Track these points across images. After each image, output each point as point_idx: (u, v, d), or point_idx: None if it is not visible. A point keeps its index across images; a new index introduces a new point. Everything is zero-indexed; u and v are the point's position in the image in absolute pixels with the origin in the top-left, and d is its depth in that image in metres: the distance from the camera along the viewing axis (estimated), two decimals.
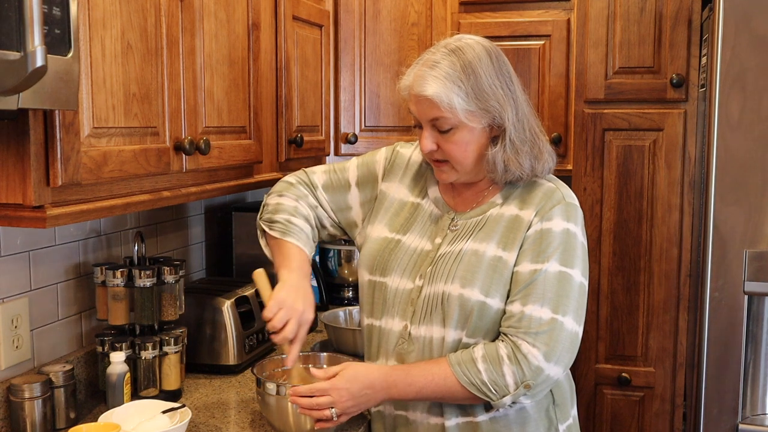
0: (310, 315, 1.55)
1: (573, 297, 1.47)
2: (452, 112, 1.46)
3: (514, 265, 1.50)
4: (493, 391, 1.44)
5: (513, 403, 1.47)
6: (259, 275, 1.61)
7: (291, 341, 1.53)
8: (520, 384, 1.43)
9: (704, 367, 2.02)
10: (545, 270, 1.47)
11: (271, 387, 1.60)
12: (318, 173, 1.77)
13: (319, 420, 1.50)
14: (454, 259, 1.53)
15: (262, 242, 1.72)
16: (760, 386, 2.06)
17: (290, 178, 1.77)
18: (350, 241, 2.71)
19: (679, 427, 2.46)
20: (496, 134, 1.52)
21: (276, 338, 1.53)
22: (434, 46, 1.54)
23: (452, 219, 1.60)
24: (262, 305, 1.57)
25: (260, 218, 1.72)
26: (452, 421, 1.53)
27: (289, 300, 1.53)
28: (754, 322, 2.04)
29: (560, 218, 1.51)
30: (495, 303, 1.48)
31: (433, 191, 1.65)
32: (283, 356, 1.62)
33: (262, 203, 1.75)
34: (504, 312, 1.49)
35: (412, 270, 1.57)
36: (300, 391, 1.49)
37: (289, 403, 1.54)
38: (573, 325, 1.46)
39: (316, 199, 1.74)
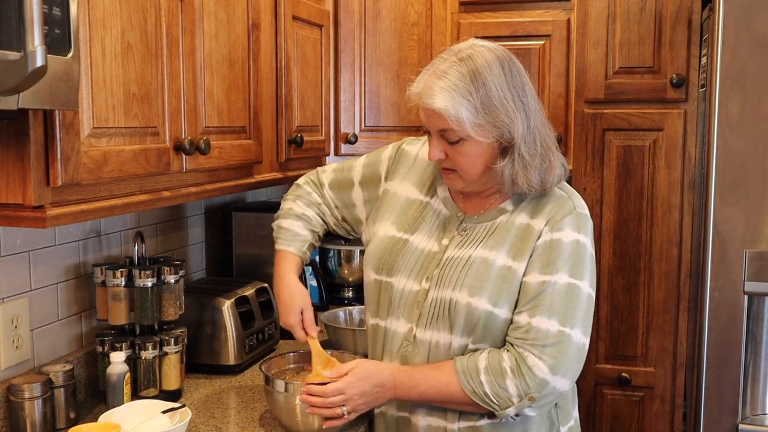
0: (288, 321, 1.70)
1: (581, 309, 1.46)
2: (460, 125, 1.44)
3: (523, 275, 1.48)
4: (496, 402, 1.43)
5: (517, 415, 1.46)
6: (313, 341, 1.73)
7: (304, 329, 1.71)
8: (524, 396, 1.42)
9: (704, 367, 2.03)
10: (554, 282, 1.45)
11: (279, 384, 1.60)
12: (327, 171, 1.85)
13: (328, 419, 1.51)
14: (463, 265, 1.51)
15: None
16: (760, 386, 2.06)
17: (301, 179, 1.88)
18: (350, 241, 2.72)
19: (679, 427, 2.46)
20: (505, 147, 1.49)
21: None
22: (446, 52, 1.50)
23: (461, 221, 1.59)
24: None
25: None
26: (454, 425, 1.53)
27: (281, 321, 1.73)
28: (754, 322, 2.04)
29: (571, 229, 1.50)
30: (503, 313, 1.47)
31: (443, 190, 1.64)
32: (290, 353, 1.83)
33: None
34: (511, 321, 1.48)
35: (419, 271, 1.57)
36: (313, 390, 1.50)
37: (298, 400, 1.55)
38: (580, 338, 1.45)
39: (322, 196, 1.82)
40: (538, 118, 1.51)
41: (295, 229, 1.78)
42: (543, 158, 1.50)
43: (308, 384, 1.53)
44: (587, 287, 1.48)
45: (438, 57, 1.51)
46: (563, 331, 1.43)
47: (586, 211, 1.55)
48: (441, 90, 1.43)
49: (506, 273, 1.48)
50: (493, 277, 1.48)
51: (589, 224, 1.54)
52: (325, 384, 1.51)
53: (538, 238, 1.50)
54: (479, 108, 1.43)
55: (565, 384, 1.44)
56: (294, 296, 1.70)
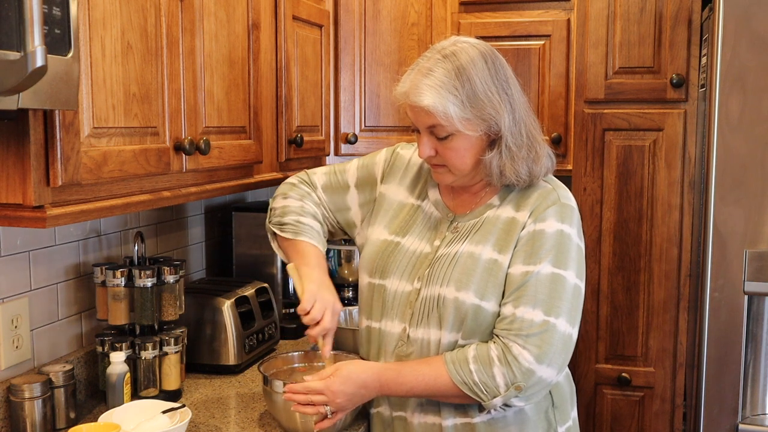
0: (339, 306, 1.60)
1: (566, 299, 1.46)
2: (448, 120, 1.46)
3: (508, 267, 1.49)
4: (484, 392, 1.44)
5: (506, 405, 1.47)
6: (293, 270, 1.64)
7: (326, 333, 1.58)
8: (510, 385, 1.43)
9: (704, 367, 2.03)
10: (537, 272, 1.46)
11: (278, 385, 1.61)
12: (318, 174, 1.79)
13: (319, 420, 1.52)
14: (450, 261, 1.53)
15: (274, 245, 1.77)
16: (760, 386, 2.06)
17: (292, 179, 1.80)
18: (350, 241, 2.71)
19: (679, 427, 2.46)
20: (493, 139, 1.51)
21: (314, 331, 1.56)
22: (429, 50, 1.52)
23: (451, 221, 1.60)
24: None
25: (269, 222, 1.75)
26: (449, 422, 1.54)
27: (321, 292, 1.57)
28: (754, 322, 2.04)
29: (554, 219, 1.50)
30: (490, 306, 1.48)
31: (433, 193, 1.65)
32: (290, 353, 1.78)
33: (269, 207, 1.78)
34: (498, 314, 1.49)
35: (410, 272, 1.57)
36: (295, 388, 1.51)
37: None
38: (566, 327, 1.45)
39: (318, 198, 1.77)
40: (523, 109, 1.53)
41: (318, 228, 1.72)
42: (529, 149, 1.52)
43: (290, 384, 1.54)
44: (573, 277, 1.48)
45: (422, 56, 1.53)
46: (548, 321, 1.44)
47: (572, 202, 1.56)
48: (428, 87, 1.45)
49: (492, 266, 1.49)
50: (480, 270, 1.49)
51: (575, 215, 1.55)
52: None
53: (522, 230, 1.51)
54: (466, 102, 1.45)
55: (551, 373, 1.44)
56: (337, 301, 1.60)
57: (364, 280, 1.66)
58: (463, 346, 1.50)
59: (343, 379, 1.49)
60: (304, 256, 1.66)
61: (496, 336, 1.47)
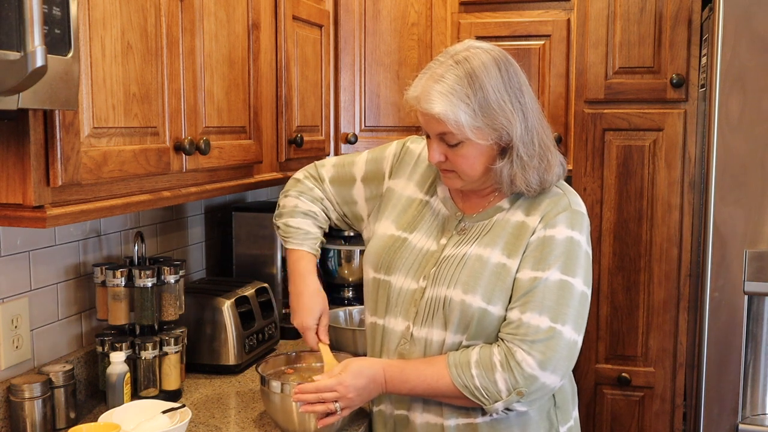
0: (306, 323, 1.70)
1: (573, 306, 1.46)
2: (459, 129, 1.44)
3: (516, 272, 1.48)
4: (485, 396, 1.44)
5: (507, 409, 1.46)
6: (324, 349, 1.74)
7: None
8: (512, 391, 1.42)
9: (704, 367, 2.03)
10: (546, 278, 1.45)
11: (275, 385, 1.61)
12: (327, 166, 1.82)
13: (322, 417, 1.51)
14: (458, 263, 1.52)
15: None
16: (760, 386, 2.06)
17: (299, 174, 1.84)
18: (350, 241, 2.71)
19: (679, 427, 2.46)
20: (504, 147, 1.49)
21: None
22: (442, 54, 1.50)
23: (459, 220, 1.59)
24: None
25: (274, 219, 1.83)
26: (451, 422, 1.53)
27: (295, 320, 1.73)
28: (754, 322, 2.04)
29: (564, 226, 1.50)
30: (497, 310, 1.48)
31: (443, 190, 1.64)
32: (289, 353, 1.83)
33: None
34: (504, 318, 1.48)
35: (416, 270, 1.57)
36: (305, 389, 1.50)
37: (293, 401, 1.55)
38: (572, 334, 1.45)
39: (323, 191, 1.79)
40: (535, 117, 1.51)
41: (305, 227, 1.75)
42: (541, 158, 1.50)
43: (299, 384, 1.53)
44: (580, 284, 1.48)
45: (434, 60, 1.51)
46: (554, 327, 1.43)
47: (583, 209, 1.55)
48: (439, 95, 1.44)
49: (500, 270, 1.49)
50: (487, 274, 1.49)
51: (585, 222, 1.54)
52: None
53: (532, 235, 1.50)
54: (477, 111, 1.43)
55: (554, 380, 1.44)
56: (316, 300, 1.71)
57: (369, 274, 1.65)
58: (467, 347, 1.50)
59: (355, 373, 1.49)
60: (289, 264, 1.76)
61: (501, 340, 1.46)
